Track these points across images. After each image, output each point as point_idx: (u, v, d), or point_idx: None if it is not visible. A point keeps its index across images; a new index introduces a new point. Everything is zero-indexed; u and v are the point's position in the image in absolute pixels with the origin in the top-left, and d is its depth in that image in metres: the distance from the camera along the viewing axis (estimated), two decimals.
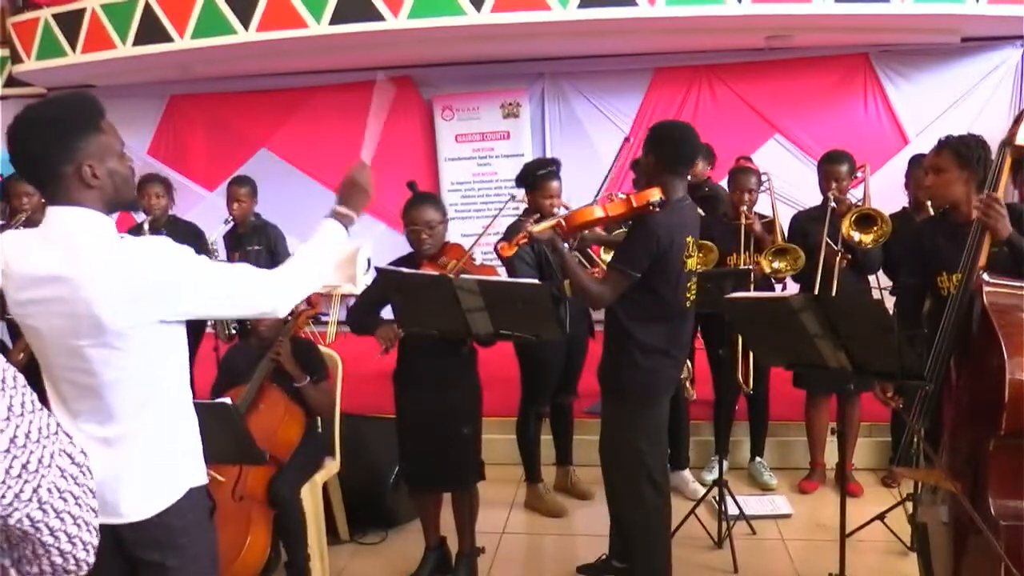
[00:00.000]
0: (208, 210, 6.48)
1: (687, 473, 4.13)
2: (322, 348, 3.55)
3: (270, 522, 3.01)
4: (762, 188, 4.11)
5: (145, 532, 1.78)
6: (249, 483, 3.01)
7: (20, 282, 1.69)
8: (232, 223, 4.73)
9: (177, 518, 1.80)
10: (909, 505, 3.34)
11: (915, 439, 2.53)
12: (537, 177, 3.70)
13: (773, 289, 3.98)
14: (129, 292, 1.65)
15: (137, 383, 1.75)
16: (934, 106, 6.60)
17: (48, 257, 1.66)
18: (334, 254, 1.95)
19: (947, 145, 2.69)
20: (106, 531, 1.67)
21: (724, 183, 4.71)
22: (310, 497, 3.19)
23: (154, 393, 1.79)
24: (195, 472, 1.87)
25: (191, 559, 1.84)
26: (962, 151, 2.63)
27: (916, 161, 3.93)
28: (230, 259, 4.54)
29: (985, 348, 2.24)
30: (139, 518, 1.77)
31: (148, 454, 1.79)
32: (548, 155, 6.98)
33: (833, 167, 3.87)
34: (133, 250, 1.70)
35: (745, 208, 3.96)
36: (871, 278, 4.03)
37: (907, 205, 4.07)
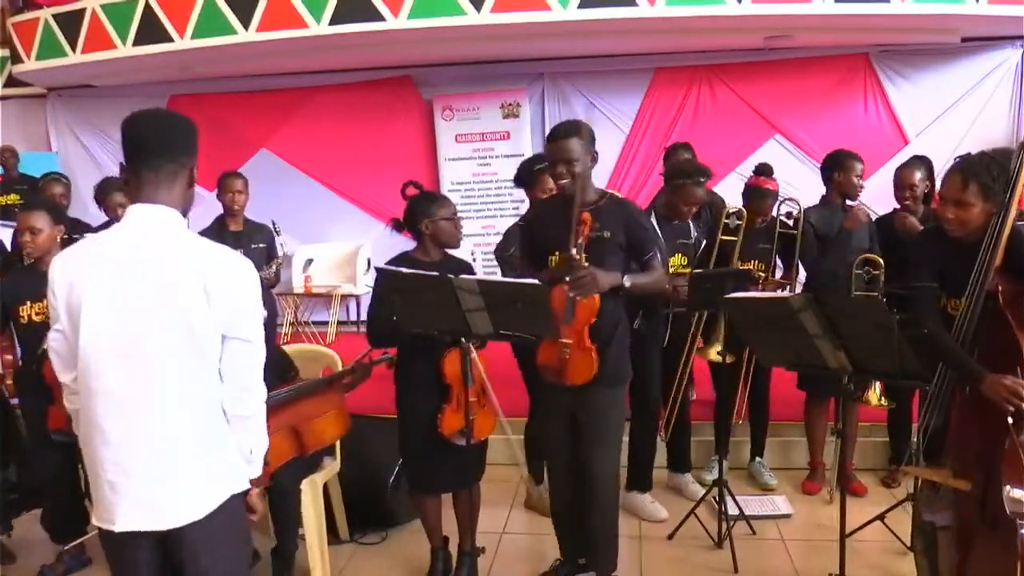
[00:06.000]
0: (209, 210, 6.46)
1: (688, 475, 4.14)
2: (322, 348, 3.55)
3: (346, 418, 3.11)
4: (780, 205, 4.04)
5: (190, 536, 1.82)
6: None
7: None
8: (220, 218, 4.63)
9: (218, 519, 1.85)
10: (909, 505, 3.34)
11: (917, 439, 2.53)
12: (534, 173, 3.72)
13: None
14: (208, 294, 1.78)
15: (192, 379, 1.81)
16: (934, 106, 6.61)
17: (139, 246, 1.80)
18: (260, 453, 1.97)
19: (972, 178, 2.41)
20: (150, 542, 1.80)
21: (720, 187, 4.73)
22: (311, 496, 3.19)
23: (204, 391, 1.84)
24: (237, 478, 1.92)
25: (230, 559, 1.90)
26: (988, 184, 2.40)
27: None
28: None
29: (1002, 347, 2.24)
30: (176, 525, 1.81)
31: (197, 455, 1.83)
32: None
33: (858, 163, 3.92)
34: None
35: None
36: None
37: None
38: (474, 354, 2.83)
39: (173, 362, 1.77)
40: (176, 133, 1.88)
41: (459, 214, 3.16)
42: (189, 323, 1.75)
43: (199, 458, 1.82)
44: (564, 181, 2.87)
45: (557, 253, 2.92)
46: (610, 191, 3.12)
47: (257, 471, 1.95)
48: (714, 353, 3.83)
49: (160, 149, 1.83)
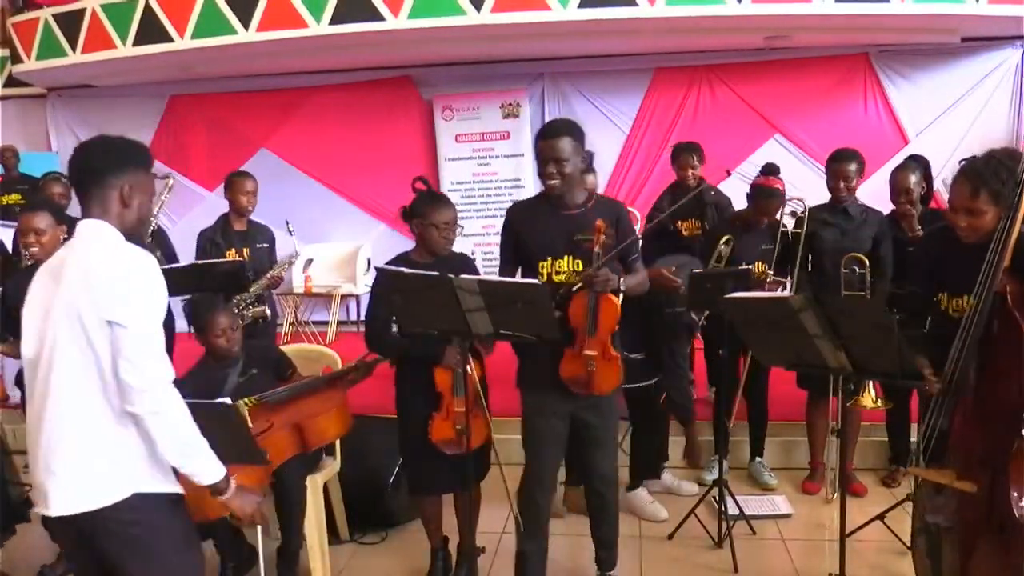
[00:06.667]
0: (208, 210, 6.48)
1: (668, 474, 4.16)
2: (322, 348, 3.55)
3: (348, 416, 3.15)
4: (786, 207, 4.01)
5: (94, 528, 1.90)
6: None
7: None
8: (224, 216, 4.55)
9: (120, 515, 1.88)
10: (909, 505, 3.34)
11: (919, 440, 2.52)
12: None
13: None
14: (97, 286, 1.85)
15: (85, 375, 1.86)
16: (934, 106, 6.62)
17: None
18: (203, 455, 1.95)
19: (982, 185, 2.35)
20: (69, 529, 1.92)
21: (722, 187, 4.72)
22: (312, 495, 3.20)
23: (94, 386, 1.87)
24: (143, 478, 1.92)
25: (151, 559, 1.92)
26: (998, 189, 2.34)
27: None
28: (226, 256, 4.36)
29: (1009, 347, 2.24)
30: (64, 513, 1.89)
31: (84, 448, 1.88)
32: None
33: (842, 166, 3.84)
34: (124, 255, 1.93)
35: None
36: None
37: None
38: (470, 368, 2.81)
39: (65, 357, 1.86)
40: (97, 158, 1.99)
41: (459, 214, 3.12)
42: (79, 316, 1.83)
43: (85, 451, 1.87)
44: (553, 182, 2.84)
45: (549, 259, 2.86)
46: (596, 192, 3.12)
47: (202, 477, 1.95)
48: None
49: (84, 174, 1.98)
